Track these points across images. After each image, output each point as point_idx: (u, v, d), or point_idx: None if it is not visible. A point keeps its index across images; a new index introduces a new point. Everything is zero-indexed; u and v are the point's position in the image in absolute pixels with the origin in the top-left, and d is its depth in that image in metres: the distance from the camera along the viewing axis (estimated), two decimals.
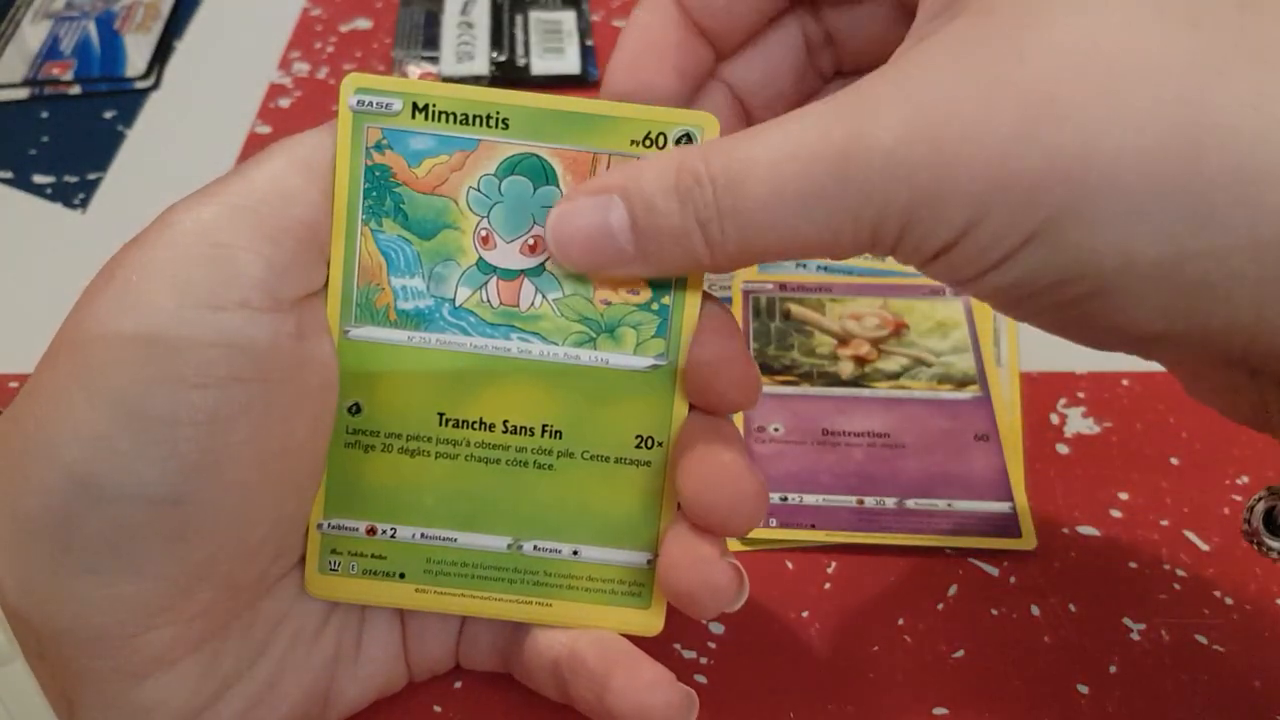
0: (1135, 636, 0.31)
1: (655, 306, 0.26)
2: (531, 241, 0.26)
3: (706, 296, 0.26)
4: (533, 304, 0.26)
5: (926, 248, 0.21)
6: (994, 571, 0.33)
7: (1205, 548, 0.33)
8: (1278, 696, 0.30)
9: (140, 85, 0.52)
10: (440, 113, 0.25)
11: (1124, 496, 0.35)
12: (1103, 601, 0.32)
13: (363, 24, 0.56)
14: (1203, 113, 0.19)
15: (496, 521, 0.27)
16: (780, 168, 0.21)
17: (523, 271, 0.26)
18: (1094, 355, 0.38)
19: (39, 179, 0.48)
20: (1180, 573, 0.33)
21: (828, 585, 0.33)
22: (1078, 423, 0.37)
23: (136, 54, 0.54)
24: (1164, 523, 0.34)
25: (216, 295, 0.23)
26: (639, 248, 0.23)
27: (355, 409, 0.26)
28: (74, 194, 0.47)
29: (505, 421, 0.26)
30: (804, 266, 0.41)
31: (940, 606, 0.32)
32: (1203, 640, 0.31)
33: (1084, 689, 0.30)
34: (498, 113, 0.25)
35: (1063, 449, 0.36)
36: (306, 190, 0.24)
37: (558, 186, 0.25)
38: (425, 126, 0.25)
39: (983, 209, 0.20)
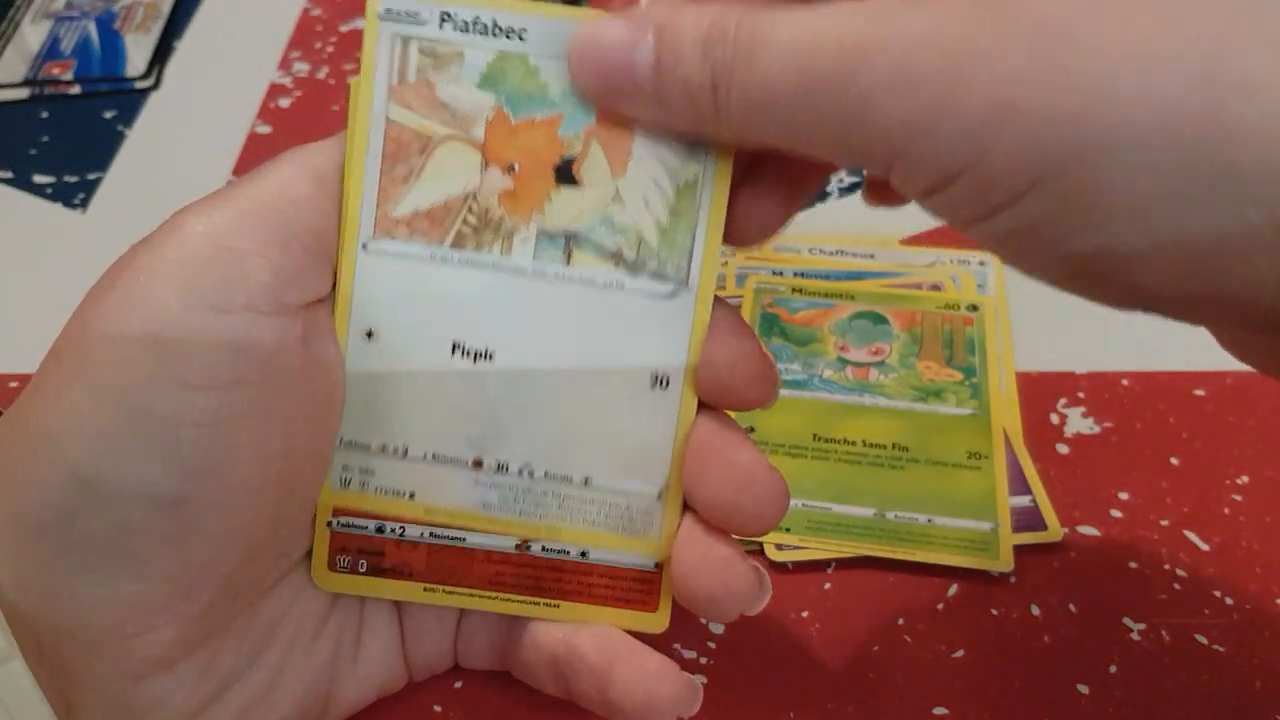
0: (1135, 636, 0.31)
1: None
2: None
3: (717, 300, 0.26)
4: None
5: (921, 177, 0.20)
6: (994, 571, 0.33)
7: (1205, 548, 0.33)
8: (1278, 696, 0.30)
9: (140, 85, 0.52)
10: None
11: (1124, 496, 0.35)
12: (1103, 601, 0.32)
13: (362, 24, 0.56)
14: (1227, 60, 0.18)
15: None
16: (794, 46, 0.20)
17: None
18: (1094, 355, 0.38)
19: (39, 179, 0.48)
20: (1180, 573, 0.33)
21: (828, 585, 0.33)
22: (1078, 423, 0.37)
23: (136, 54, 0.54)
24: (1164, 523, 0.34)
25: (222, 298, 0.23)
26: (655, 88, 0.22)
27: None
28: (74, 194, 0.47)
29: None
30: (819, 251, 0.41)
31: (940, 606, 0.32)
32: (1203, 640, 0.31)
33: (1084, 689, 0.30)
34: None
35: (1063, 449, 0.36)
36: (316, 198, 0.24)
37: None
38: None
39: (985, 143, 0.19)
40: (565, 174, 0.24)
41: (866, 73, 0.20)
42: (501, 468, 0.26)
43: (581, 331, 0.25)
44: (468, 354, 0.25)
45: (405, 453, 0.25)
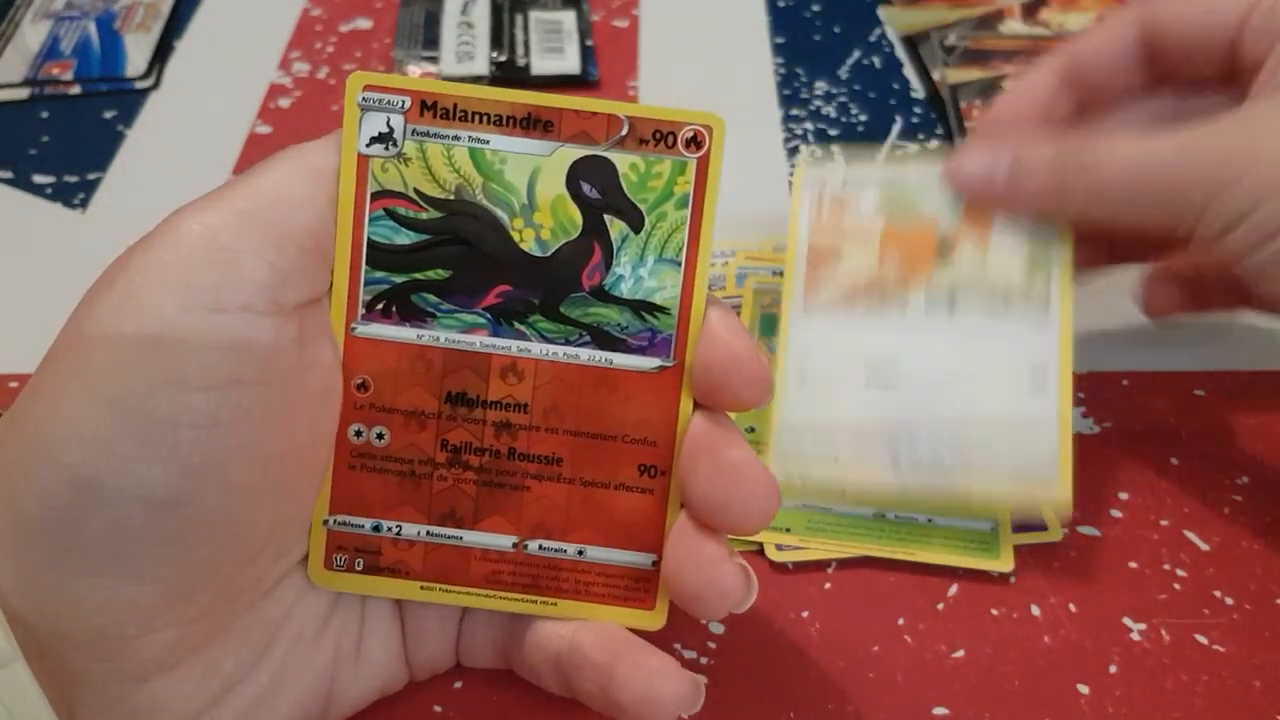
0: (1135, 636, 0.31)
1: None
2: None
3: (711, 299, 0.26)
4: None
5: (1216, 225, 0.29)
6: (994, 571, 0.33)
7: (1205, 548, 0.33)
8: (1278, 696, 0.30)
9: (140, 85, 0.52)
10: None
11: (1124, 496, 0.35)
12: (1103, 601, 0.32)
13: (363, 24, 0.56)
14: None
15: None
16: (1133, 154, 0.31)
17: None
18: (1094, 355, 0.38)
19: (39, 179, 0.48)
20: (1180, 573, 0.33)
21: (828, 585, 0.33)
22: (1078, 423, 0.37)
23: (136, 54, 0.54)
24: (1164, 523, 0.34)
25: (219, 298, 0.23)
26: (1010, 192, 0.33)
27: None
28: (74, 194, 0.47)
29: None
30: None
31: (940, 606, 0.32)
32: (1203, 640, 0.31)
33: (1084, 689, 0.30)
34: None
35: None
36: (312, 197, 0.25)
37: None
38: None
39: (1257, 202, 0.29)
40: (943, 253, 0.33)
41: (1191, 162, 0.30)
42: (915, 460, 0.32)
43: (969, 354, 0.33)
44: (879, 385, 0.33)
45: (836, 459, 0.32)
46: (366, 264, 0.26)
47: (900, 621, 0.32)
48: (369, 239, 0.26)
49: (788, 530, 0.33)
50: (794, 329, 0.33)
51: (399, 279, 0.26)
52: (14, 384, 0.39)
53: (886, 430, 0.32)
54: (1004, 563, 0.32)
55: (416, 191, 0.26)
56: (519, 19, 0.55)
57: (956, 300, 0.33)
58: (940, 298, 0.33)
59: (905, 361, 0.33)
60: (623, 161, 0.26)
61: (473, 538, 0.27)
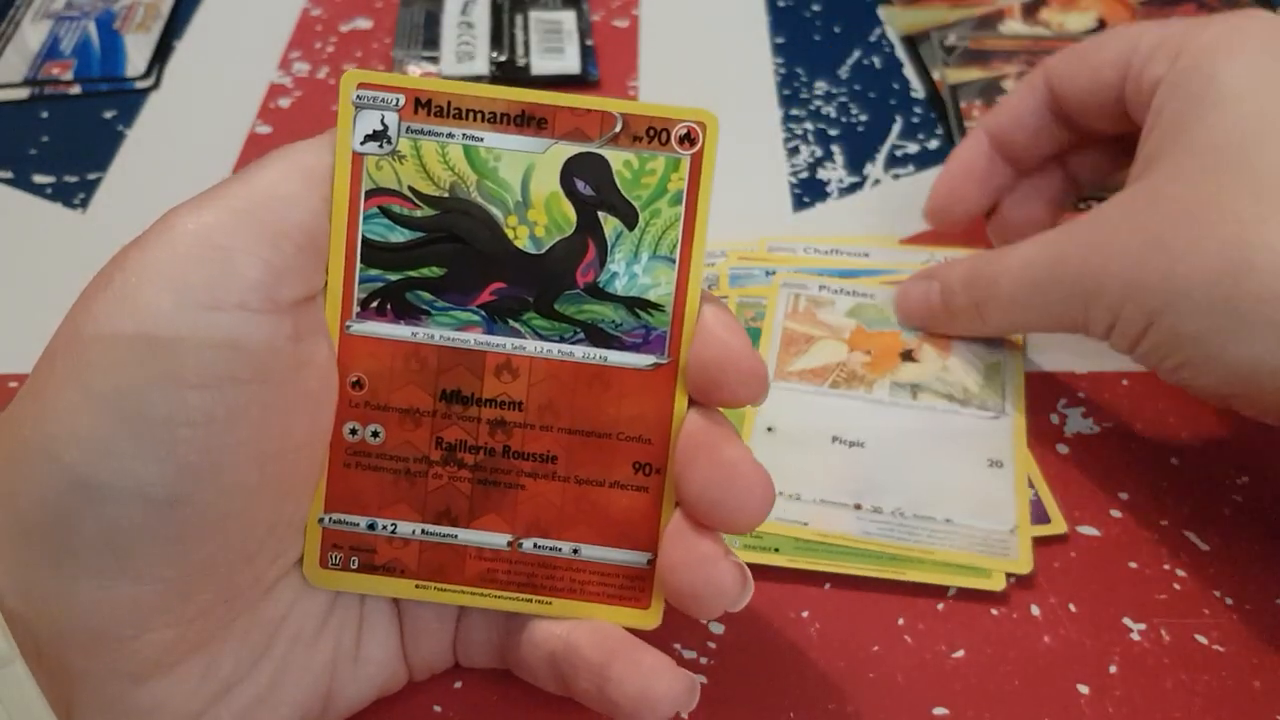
0: (1135, 636, 0.31)
1: None
2: None
3: (706, 296, 0.26)
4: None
5: (1098, 330, 0.32)
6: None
7: (1205, 548, 0.33)
8: (1278, 696, 0.30)
9: (140, 85, 0.52)
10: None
11: (1124, 496, 0.35)
12: (1103, 601, 0.32)
13: (363, 24, 0.56)
14: (1248, 250, 0.29)
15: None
16: (1021, 270, 0.34)
17: None
18: (1094, 355, 0.38)
19: (39, 179, 0.48)
20: (1180, 573, 0.33)
21: (828, 585, 0.33)
22: (1078, 423, 0.37)
23: (136, 54, 0.54)
24: (1164, 523, 0.34)
25: (214, 296, 0.23)
26: (945, 314, 0.37)
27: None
28: (74, 194, 0.47)
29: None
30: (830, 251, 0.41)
31: (940, 606, 0.32)
32: (1203, 640, 0.31)
33: (1084, 689, 0.30)
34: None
35: (1063, 449, 0.36)
36: (306, 196, 0.25)
37: None
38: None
39: (1120, 304, 0.31)
40: (907, 356, 0.38)
41: (1061, 275, 0.33)
42: (877, 509, 0.34)
43: (928, 434, 0.36)
44: (844, 442, 0.35)
45: (799, 497, 0.34)
46: (361, 262, 0.26)
47: (900, 621, 0.32)
48: (364, 237, 0.26)
49: (776, 550, 0.33)
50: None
51: (394, 277, 0.26)
52: (14, 384, 0.39)
53: (850, 480, 0.35)
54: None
55: (411, 189, 0.26)
56: (519, 19, 0.55)
57: (919, 392, 0.37)
58: (904, 388, 0.37)
59: (870, 428, 0.36)
60: (616, 158, 0.26)
61: (468, 536, 0.27)
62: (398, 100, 0.25)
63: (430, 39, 0.54)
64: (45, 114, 0.51)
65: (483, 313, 0.26)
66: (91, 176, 0.48)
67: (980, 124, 0.39)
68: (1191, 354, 0.30)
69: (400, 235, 0.26)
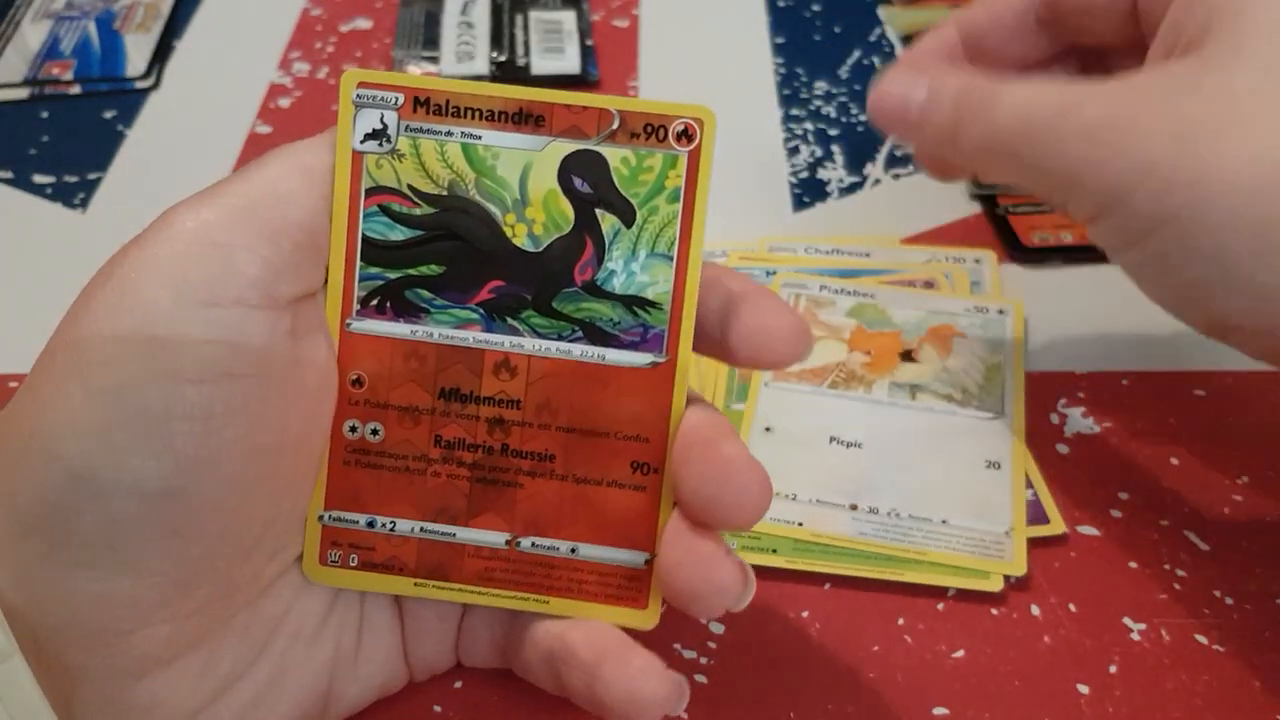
0: (1135, 636, 0.31)
1: None
2: None
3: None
4: None
5: (1082, 210, 0.28)
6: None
7: (1205, 548, 0.33)
8: (1278, 696, 0.30)
9: (140, 85, 0.52)
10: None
11: (1124, 496, 0.35)
12: (1103, 601, 0.32)
13: (363, 24, 0.56)
14: None
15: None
16: (1019, 103, 0.29)
17: None
18: (1094, 355, 0.38)
19: (39, 179, 0.48)
20: (1180, 573, 0.33)
21: (827, 585, 0.33)
22: (1078, 423, 0.37)
23: (136, 54, 0.54)
24: (1164, 523, 0.34)
25: (213, 292, 0.23)
26: (919, 120, 0.31)
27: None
28: (74, 194, 0.47)
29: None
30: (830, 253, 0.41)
31: (940, 606, 0.32)
32: (1203, 640, 0.31)
33: (1084, 689, 0.30)
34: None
35: (1063, 449, 0.36)
36: (305, 194, 0.25)
37: None
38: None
39: (1126, 191, 0.26)
40: (907, 357, 0.38)
41: (1065, 126, 0.27)
42: (873, 510, 0.34)
43: (926, 435, 0.35)
44: (842, 443, 0.35)
45: (795, 497, 0.34)
46: (361, 260, 0.26)
47: (900, 621, 0.32)
48: (363, 235, 0.26)
49: (774, 552, 0.33)
50: (762, 394, 0.37)
51: (393, 275, 0.26)
52: (14, 384, 0.39)
53: (847, 481, 0.34)
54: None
55: (410, 187, 0.26)
56: (519, 19, 0.55)
57: (918, 392, 0.37)
58: (903, 388, 0.37)
59: (868, 428, 0.36)
60: (614, 155, 0.26)
61: (466, 534, 0.27)
62: (397, 99, 0.25)
63: (430, 39, 0.54)
64: (45, 114, 0.51)
65: (481, 311, 0.26)
66: (91, 176, 0.48)
67: (953, 18, 0.35)
68: (1205, 273, 0.26)
69: (400, 233, 0.26)
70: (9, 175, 0.48)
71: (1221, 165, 0.25)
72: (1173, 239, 0.26)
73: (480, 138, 0.25)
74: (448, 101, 0.25)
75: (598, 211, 0.26)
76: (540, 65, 0.52)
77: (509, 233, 0.26)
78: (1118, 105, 0.27)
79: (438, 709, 0.30)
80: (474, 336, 0.26)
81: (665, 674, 0.26)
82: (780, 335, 0.25)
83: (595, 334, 0.26)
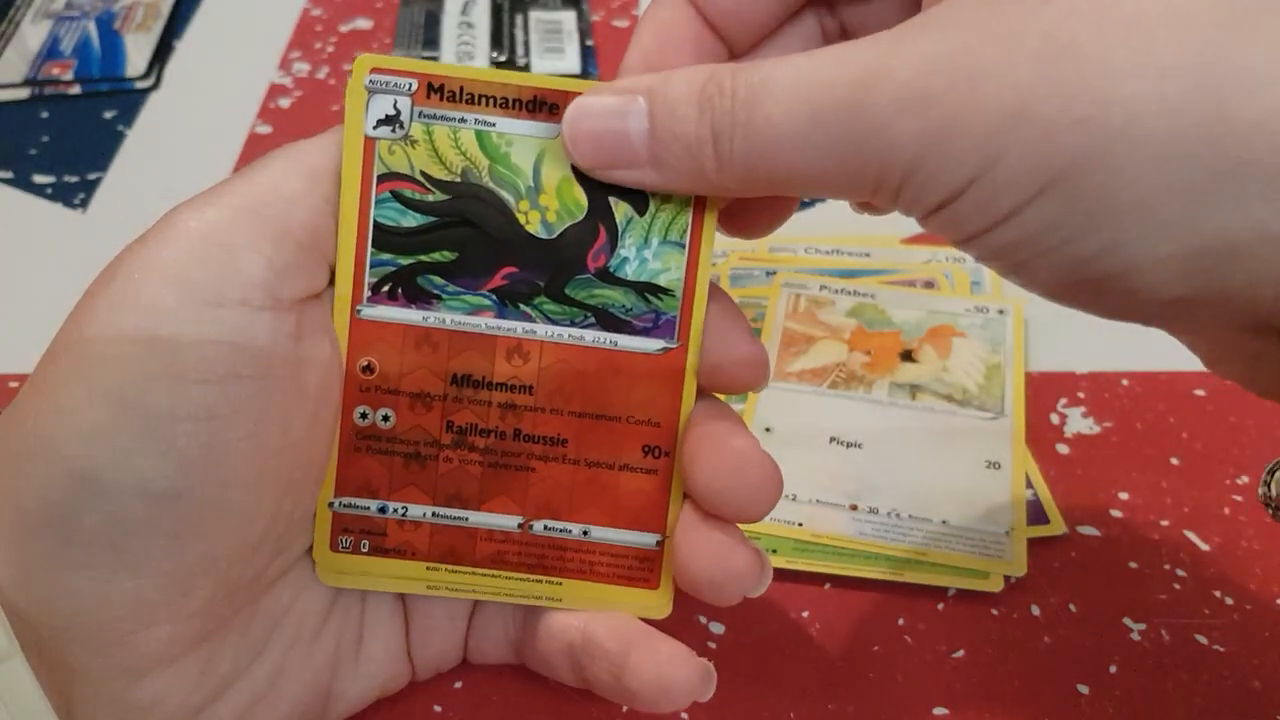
0: (1135, 636, 0.31)
1: None
2: None
3: (715, 289, 0.26)
4: None
5: (932, 194, 0.20)
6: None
7: (1205, 548, 0.33)
8: (1278, 696, 0.30)
9: (140, 85, 0.52)
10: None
11: (1124, 496, 0.35)
12: (1103, 601, 0.32)
13: (363, 24, 0.56)
14: (1228, 62, 0.19)
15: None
16: (798, 87, 0.21)
17: None
18: (1094, 355, 0.38)
19: (39, 179, 0.48)
20: (1180, 573, 0.33)
21: (828, 585, 0.33)
22: (1078, 423, 0.37)
23: (136, 54, 0.54)
24: (1164, 523, 0.34)
25: (217, 293, 0.23)
26: (652, 153, 0.23)
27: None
28: (74, 194, 0.47)
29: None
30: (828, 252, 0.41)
31: (940, 606, 0.32)
32: (1203, 640, 0.31)
33: (1084, 689, 0.30)
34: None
35: (1063, 449, 0.36)
36: (309, 194, 0.25)
37: None
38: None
39: (996, 151, 0.19)
40: (907, 357, 0.38)
41: (875, 100, 0.20)
42: (873, 510, 0.34)
43: (927, 435, 0.36)
44: (842, 443, 0.36)
45: (795, 497, 0.34)
46: (373, 246, 0.26)
47: (900, 621, 0.32)
48: (375, 221, 0.26)
49: (774, 552, 0.33)
50: (763, 394, 0.37)
51: (405, 261, 0.26)
52: (14, 384, 0.39)
53: (847, 481, 0.35)
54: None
55: (423, 174, 0.26)
56: (519, 19, 0.55)
57: (918, 392, 0.37)
58: (903, 388, 0.37)
59: (868, 429, 0.36)
60: None
61: (478, 519, 0.27)
62: (410, 85, 0.25)
63: (430, 39, 0.54)
64: (45, 114, 0.51)
65: (494, 297, 0.26)
66: (91, 176, 0.48)
67: None
68: (1123, 233, 0.19)
69: (412, 220, 0.26)
70: (9, 175, 0.48)
71: (1120, 88, 0.19)
72: (1066, 197, 0.19)
73: (494, 125, 0.25)
74: (462, 88, 0.25)
75: (611, 199, 0.26)
76: (540, 65, 0.52)
77: (522, 219, 0.26)
78: (939, 50, 0.20)
79: (438, 709, 0.30)
80: (486, 323, 0.26)
81: (694, 660, 0.26)
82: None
83: (607, 320, 0.26)
